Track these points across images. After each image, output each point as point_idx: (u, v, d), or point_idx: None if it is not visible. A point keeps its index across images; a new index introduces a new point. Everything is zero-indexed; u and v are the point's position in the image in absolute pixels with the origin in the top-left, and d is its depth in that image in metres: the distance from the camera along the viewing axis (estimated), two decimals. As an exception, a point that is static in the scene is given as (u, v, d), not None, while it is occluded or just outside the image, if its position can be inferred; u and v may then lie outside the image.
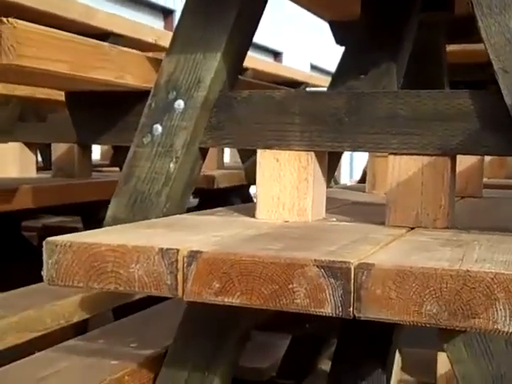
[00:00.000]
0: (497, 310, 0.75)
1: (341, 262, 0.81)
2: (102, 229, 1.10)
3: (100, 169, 2.89)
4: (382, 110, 1.17)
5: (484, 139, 1.14)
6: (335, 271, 0.81)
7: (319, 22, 2.06)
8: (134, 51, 1.23)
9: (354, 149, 1.20)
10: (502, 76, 1.11)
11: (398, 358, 1.68)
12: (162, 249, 0.88)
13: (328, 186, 2.33)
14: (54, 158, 2.39)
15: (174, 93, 1.25)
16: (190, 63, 1.25)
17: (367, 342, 1.45)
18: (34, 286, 1.72)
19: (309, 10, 1.94)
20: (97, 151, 3.95)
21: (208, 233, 1.03)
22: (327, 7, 1.89)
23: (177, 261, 0.87)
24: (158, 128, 1.25)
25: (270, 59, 12.32)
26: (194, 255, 0.87)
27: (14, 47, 0.94)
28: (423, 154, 1.16)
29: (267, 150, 1.22)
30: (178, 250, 0.87)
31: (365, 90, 1.19)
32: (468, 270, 0.76)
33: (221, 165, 2.95)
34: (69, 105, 1.36)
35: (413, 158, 1.16)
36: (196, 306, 1.11)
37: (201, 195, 3.04)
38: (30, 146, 2.35)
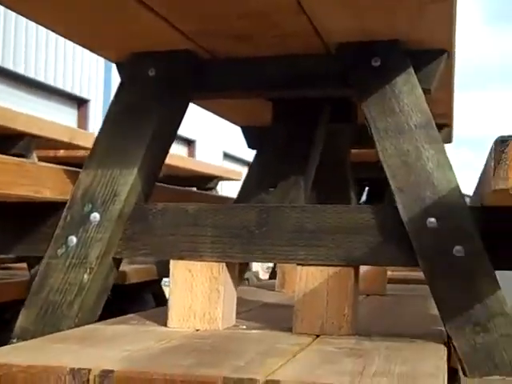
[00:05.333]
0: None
1: (249, 379, 0.85)
2: (13, 345, 1.09)
3: (6, 265, 2.81)
4: (290, 223, 1.24)
5: (385, 251, 1.22)
6: (244, 389, 0.84)
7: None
8: (51, 165, 1.27)
9: (265, 259, 1.26)
10: (398, 194, 1.21)
11: None
12: (73, 369, 0.89)
13: (242, 281, 2.38)
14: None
15: (90, 205, 1.28)
16: (107, 177, 1.29)
17: None
18: None
19: (222, 116, 2.03)
20: None
21: (120, 347, 1.05)
22: (239, 114, 1.99)
23: (88, 380, 0.88)
24: (73, 239, 1.27)
25: (183, 147, 12.46)
26: (105, 375, 0.88)
27: None
28: (329, 265, 1.23)
29: (180, 261, 1.26)
30: (89, 370, 0.88)
31: (273, 204, 1.26)
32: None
33: (133, 260, 2.94)
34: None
35: (319, 269, 1.23)
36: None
37: (112, 291, 3.00)
38: None
